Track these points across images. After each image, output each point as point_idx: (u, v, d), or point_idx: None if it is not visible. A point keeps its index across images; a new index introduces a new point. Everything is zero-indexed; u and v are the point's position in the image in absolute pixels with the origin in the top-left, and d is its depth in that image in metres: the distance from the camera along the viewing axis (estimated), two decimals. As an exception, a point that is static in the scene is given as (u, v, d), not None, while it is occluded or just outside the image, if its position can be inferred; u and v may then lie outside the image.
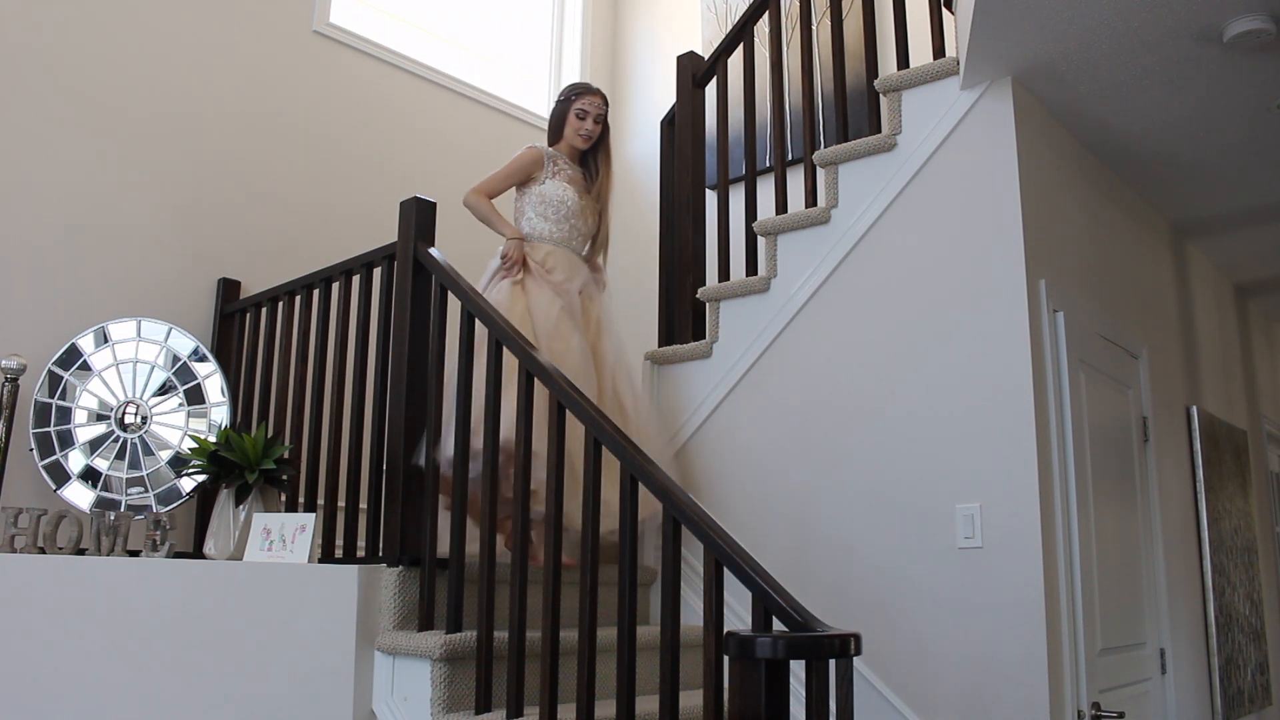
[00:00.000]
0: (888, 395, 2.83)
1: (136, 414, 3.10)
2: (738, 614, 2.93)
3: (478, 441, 2.52)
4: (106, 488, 3.00)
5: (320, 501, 2.93)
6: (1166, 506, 3.35)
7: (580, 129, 3.27)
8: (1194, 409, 3.72)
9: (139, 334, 3.18)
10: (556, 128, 3.33)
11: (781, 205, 3.23)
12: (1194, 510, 3.65)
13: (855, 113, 3.49)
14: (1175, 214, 3.78)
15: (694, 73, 3.57)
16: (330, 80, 3.92)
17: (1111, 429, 3.01)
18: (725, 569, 1.86)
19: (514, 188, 3.25)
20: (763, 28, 3.92)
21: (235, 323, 3.44)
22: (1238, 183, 3.47)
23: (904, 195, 2.90)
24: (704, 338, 3.31)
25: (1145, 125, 3.03)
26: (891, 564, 2.73)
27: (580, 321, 3.06)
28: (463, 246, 3.73)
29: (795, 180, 3.59)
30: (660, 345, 3.47)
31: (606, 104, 3.34)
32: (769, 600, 1.74)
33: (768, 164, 4.07)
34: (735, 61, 3.56)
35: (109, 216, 3.27)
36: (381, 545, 2.63)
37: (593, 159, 3.35)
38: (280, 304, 3.24)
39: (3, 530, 2.55)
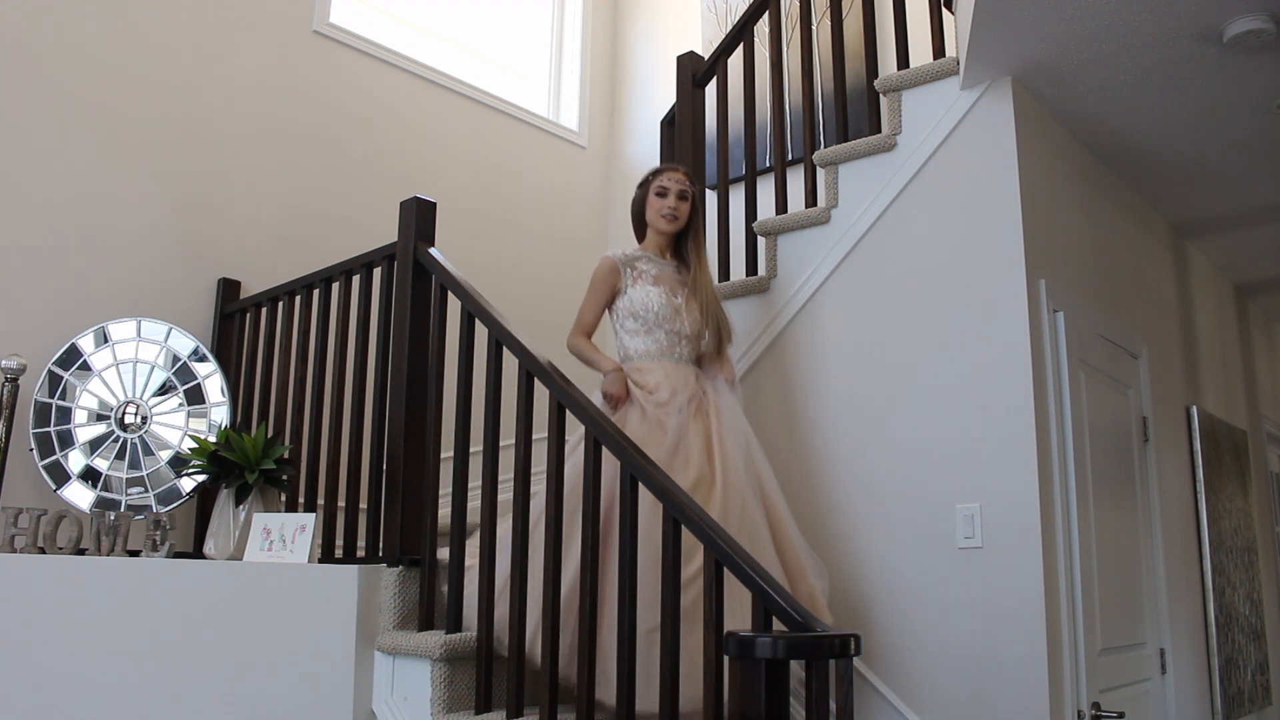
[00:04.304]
0: (887, 395, 2.83)
1: (136, 414, 3.10)
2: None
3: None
4: (106, 488, 3.00)
5: (320, 501, 2.93)
6: (1166, 506, 3.35)
7: (662, 209, 2.83)
8: (1194, 409, 3.72)
9: (139, 334, 3.18)
10: (639, 219, 2.93)
11: (781, 205, 3.23)
12: (1194, 510, 3.65)
13: (855, 113, 3.49)
14: (1175, 214, 3.78)
15: (694, 73, 3.57)
16: (330, 80, 3.92)
17: (1111, 429, 3.01)
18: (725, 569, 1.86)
19: (607, 310, 2.85)
20: (763, 28, 3.92)
21: (235, 323, 3.44)
22: (1238, 183, 3.47)
23: (904, 195, 2.90)
24: (704, 338, 3.31)
25: (1145, 125, 3.03)
26: (891, 564, 2.73)
27: (682, 437, 2.55)
28: (463, 247, 3.74)
29: (795, 180, 3.59)
30: (660, 345, 3.47)
31: (691, 180, 2.88)
32: (769, 600, 1.74)
33: (768, 164, 4.07)
34: (735, 61, 3.56)
35: (109, 216, 3.27)
36: (381, 545, 2.63)
37: (684, 248, 2.90)
38: (280, 304, 3.24)
39: (3, 530, 2.55)
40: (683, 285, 2.83)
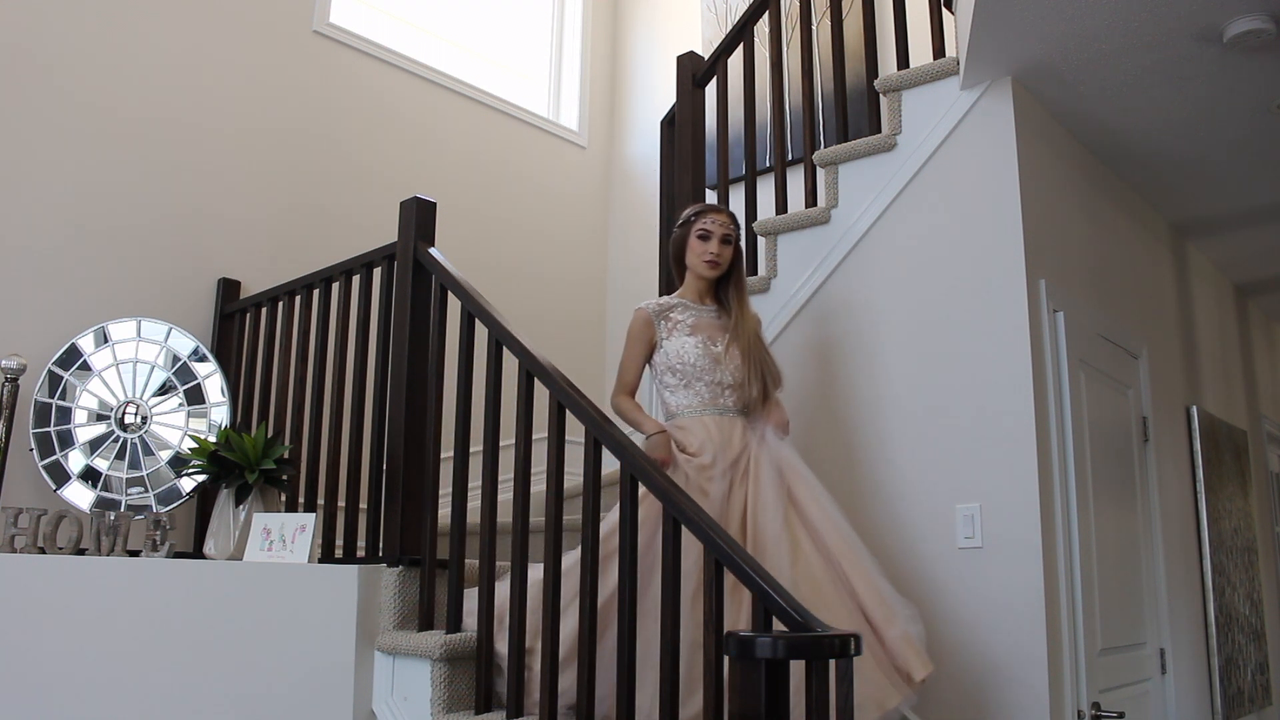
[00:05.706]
0: (887, 396, 2.83)
1: (136, 414, 3.10)
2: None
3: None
4: (106, 488, 3.00)
5: (320, 501, 2.93)
6: (1166, 506, 3.35)
7: (704, 253, 2.66)
8: (1194, 409, 3.72)
9: (139, 334, 3.18)
10: (679, 261, 2.76)
11: (781, 205, 3.23)
12: (1194, 510, 3.65)
13: (855, 113, 3.49)
14: (1175, 214, 3.78)
15: (694, 73, 3.56)
16: (330, 80, 3.92)
17: (1111, 429, 3.01)
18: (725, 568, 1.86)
19: (648, 366, 2.70)
20: (763, 28, 3.92)
21: (235, 323, 3.44)
22: (1238, 183, 3.47)
23: (904, 195, 2.90)
24: (704, 338, 3.30)
25: (1145, 125, 3.03)
26: (891, 564, 2.72)
27: (724, 506, 2.45)
28: (463, 247, 3.74)
29: (795, 180, 3.59)
30: (660, 345, 3.47)
31: (735, 223, 2.72)
32: (769, 600, 1.74)
33: (768, 164, 4.07)
34: (735, 61, 3.56)
35: (109, 217, 3.27)
36: (381, 545, 2.63)
37: (726, 292, 2.73)
38: (280, 304, 3.24)
39: (3, 530, 2.55)
40: (723, 331, 2.65)
